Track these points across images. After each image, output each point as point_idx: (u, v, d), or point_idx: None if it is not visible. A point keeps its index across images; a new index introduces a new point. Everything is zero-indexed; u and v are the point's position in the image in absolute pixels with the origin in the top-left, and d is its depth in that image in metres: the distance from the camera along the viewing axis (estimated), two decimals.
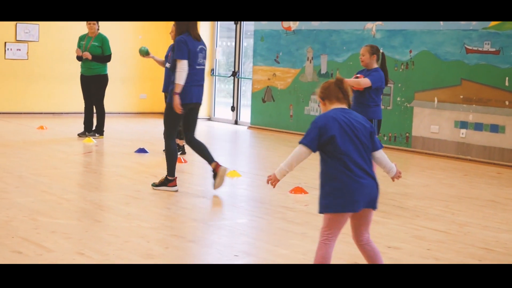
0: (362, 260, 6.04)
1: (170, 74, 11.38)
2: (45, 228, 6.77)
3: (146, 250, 6.19)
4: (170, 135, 8.83)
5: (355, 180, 4.92)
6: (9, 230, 6.64)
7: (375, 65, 9.07)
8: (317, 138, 4.96)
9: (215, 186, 8.87)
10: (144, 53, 11.58)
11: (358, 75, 9.00)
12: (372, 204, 5.01)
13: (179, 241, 6.56)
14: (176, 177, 8.89)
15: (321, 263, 4.99)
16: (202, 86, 8.94)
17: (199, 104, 8.96)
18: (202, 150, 8.98)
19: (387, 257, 6.22)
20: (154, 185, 8.93)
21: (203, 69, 8.94)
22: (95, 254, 5.97)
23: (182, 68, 8.61)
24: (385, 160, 5.16)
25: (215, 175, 8.88)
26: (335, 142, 4.93)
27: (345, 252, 6.28)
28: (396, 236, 7.00)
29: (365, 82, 8.87)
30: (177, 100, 8.58)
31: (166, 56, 11.65)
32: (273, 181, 5.08)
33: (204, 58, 8.91)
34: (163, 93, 11.65)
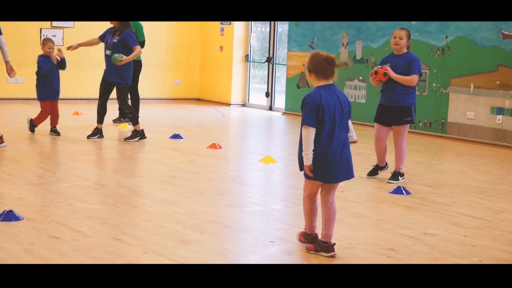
0: (396, 246, 6.01)
1: (110, 60, 11.06)
2: (82, 213, 6.82)
3: (182, 235, 6.21)
4: None
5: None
6: (46, 215, 6.71)
7: (405, 50, 8.80)
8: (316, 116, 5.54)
9: None
10: (116, 60, 11.18)
11: (385, 66, 8.60)
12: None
13: (214, 226, 6.57)
14: (2, 135, 10.08)
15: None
16: None
17: None
18: None
19: (423, 244, 6.20)
20: None
21: None
22: (131, 240, 6.00)
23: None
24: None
25: None
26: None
27: (379, 238, 6.27)
28: (432, 223, 6.96)
29: (415, 79, 8.63)
30: None
31: (106, 42, 11.40)
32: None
33: None
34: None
